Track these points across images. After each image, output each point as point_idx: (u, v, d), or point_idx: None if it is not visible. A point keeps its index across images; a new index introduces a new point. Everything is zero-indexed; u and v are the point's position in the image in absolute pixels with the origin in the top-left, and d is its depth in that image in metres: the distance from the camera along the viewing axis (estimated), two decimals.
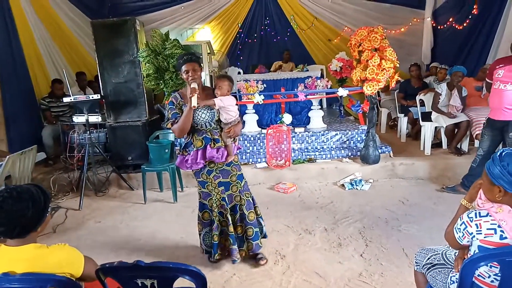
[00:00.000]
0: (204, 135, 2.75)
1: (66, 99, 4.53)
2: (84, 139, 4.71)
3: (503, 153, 1.54)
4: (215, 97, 2.77)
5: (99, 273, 1.49)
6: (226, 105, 2.74)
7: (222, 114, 2.79)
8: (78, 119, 4.77)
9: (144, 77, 4.77)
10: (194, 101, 2.55)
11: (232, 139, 2.83)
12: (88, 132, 4.57)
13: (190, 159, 2.73)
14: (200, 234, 2.94)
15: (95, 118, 4.81)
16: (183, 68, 2.67)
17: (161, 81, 4.68)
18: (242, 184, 2.87)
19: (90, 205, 4.36)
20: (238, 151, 3.01)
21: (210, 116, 2.75)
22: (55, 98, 5.67)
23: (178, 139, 4.66)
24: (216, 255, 2.84)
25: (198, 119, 2.72)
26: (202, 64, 2.79)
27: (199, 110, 2.71)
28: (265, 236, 3.06)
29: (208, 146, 2.72)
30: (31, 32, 5.89)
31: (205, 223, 2.89)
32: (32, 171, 4.68)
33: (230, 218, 2.81)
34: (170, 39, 4.66)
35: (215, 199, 2.81)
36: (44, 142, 5.45)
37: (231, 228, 2.80)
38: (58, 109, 5.72)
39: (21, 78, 5.59)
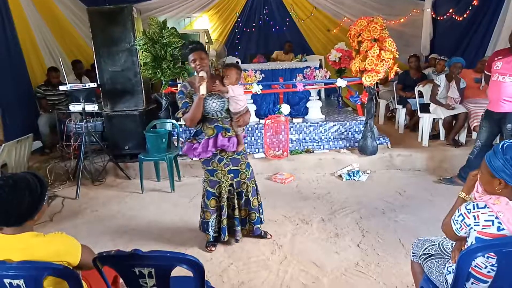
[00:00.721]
0: (215, 124, 2.78)
1: (62, 88, 4.48)
2: (81, 128, 4.67)
3: (505, 145, 1.53)
4: (224, 85, 2.78)
5: (96, 262, 1.48)
6: (236, 95, 2.77)
7: (231, 104, 2.80)
8: (75, 107, 4.73)
9: (141, 66, 4.73)
10: (203, 90, 2.58)
11: (242, 128, 2.88)
12: (84, 120, 4.53)
13: (200, 147, 2.75)
14: (208, 222, 2.94)
15: (91, 107, 4.76)
16: (190, 57, 2.69)
17: (158, 70, 4.64)
18: (249, 172, 2.96)
19: (87, 194, 4.35)
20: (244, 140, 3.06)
21: (220, 105, 2.76)
22: (51, 87, 5.61)
23: (175, 129, 4.64)
24: (226, 236, 2.96)
25: (209, 108, 2.73)
26: (208, 52, 2.80)
27: (210, 99, 2.71)
28: (261, 222, 3.14)
29: (220, 134, 2.77)
30: (27, 20, 5.80)
31: (213, 210, 2.92)
32: (28, 159, 4.67)
33: (236, 202, 2.92)
34: (168, 28, 4.61)
35: (224, 186, 2.89)
36: (40, 130, 5.41)
37: (236, 212, 2.93)
38: (54, 98, 5.67)
39: (17, 66, 5.52)
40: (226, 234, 2.95)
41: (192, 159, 2.96)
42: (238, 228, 2.96)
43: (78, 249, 1.58)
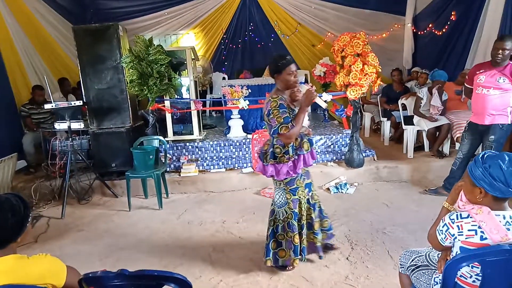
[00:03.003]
0: (307, 138, 2.72)
1: (47, 106, 4.44)
2: (66, 146, 4.62)
3: (485, 155, 1.58)
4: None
5: (82, 283, 1.46)
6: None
7: (306, 117, 2.81)
8: (60, 126, 4.68)
9: (127, 83, 4.73)
10: (323, 102, 2.61)
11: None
12: (70, 139, 4.49)
13: (301, 162, 2.64)
14: (297, 246, 2.72)
15: (77, 125, 4.70)
16: (288, 69, 2.54)
17: (145, 87, 4.64)
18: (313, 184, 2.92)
19: (73, 214, 4.28)
20: None
21: (307, 119, 2.78)
22: (36, 105, 5.56)
23: (162, 145, 4.62)
24: (305, 257, 2.82)
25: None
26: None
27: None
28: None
29: (312, 148, 2.73)
30: (11, 38, 5.77)
31: (294, 228, 2.73)
32: (12, 179, 4.58)
33: (313, 217, 2.82)
34: (154, 45, 4.64)
35: (303, 203, 2.76)
36: (25, 149, 5.33)
37: (317, 226, 2.83)
38: (39, 116, 5.61)
39: (1, 84, 5.46)
40: (306, 253, 2.83)
41: (274, 179, 2.77)
42: (319, 245, 2.86)
43: (63, 271, 1.55)
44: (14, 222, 1.49)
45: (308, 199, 2.81)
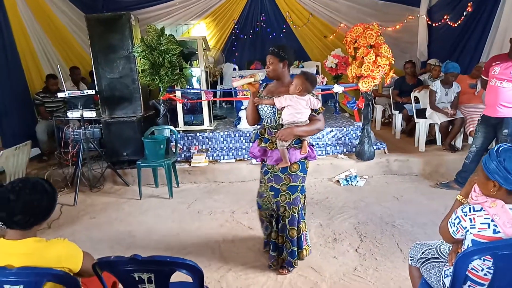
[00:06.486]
0: (258, 130, 2.72)
1: (60, 95, 4.49)
2: (79, 135, 4.67)
3: (500, 149, 1.57)
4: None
5: (95, 267, 1.49)
6: (286, 105, 2.49)
7: (283, 113, 2.51)
8: (73, 114, 4.74)
9: (139, 73, 4.75)
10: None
11: (286, 143, 2.50)
12: (82, 127, 4.54)
13: (251, 148, 2.73)
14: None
15: (89, 114, 4.77)
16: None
17: (156, 77, 4.66)
18: (291, 197, 2.58)
19: (85, 201, 4.34)
20: (308, 159, 2.66)
21: (272, 113, 2.60)
22: (49, 93, 5.62)
23: (173, 135, 4.65)
24: (266, 249, 2.94)
25: (263, 113, 2.66)
26: (284, 58, 2.63)
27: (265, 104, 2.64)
28: (298, 258, 2.74)
29: (256, 141, 2.67)
30: (24, 27, 5.82)
31: (262, 219, 2.83)
32: (26, 166, 4.66)
33: (274, 225, 2.70)
34: (166, 35, 4.64)
35: (266, 201, 2.70)
36: (38, 137, 5.41)
37: (273, 235, 2.71)
38: (52, 105, 5.68)
39: (15, 73, 5.53)
40: (267, 248, 2.85)
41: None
42: (273, 254, 2.72)
43: (80, 256, 1.58)
44: (47, 204, 1.56)
45: (275, 203, 2.63)
